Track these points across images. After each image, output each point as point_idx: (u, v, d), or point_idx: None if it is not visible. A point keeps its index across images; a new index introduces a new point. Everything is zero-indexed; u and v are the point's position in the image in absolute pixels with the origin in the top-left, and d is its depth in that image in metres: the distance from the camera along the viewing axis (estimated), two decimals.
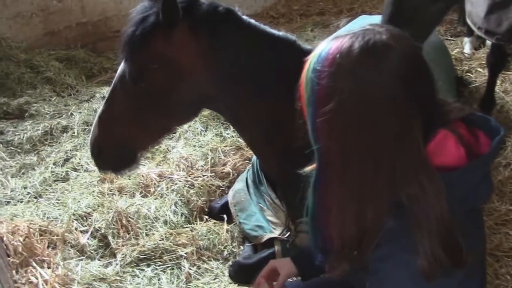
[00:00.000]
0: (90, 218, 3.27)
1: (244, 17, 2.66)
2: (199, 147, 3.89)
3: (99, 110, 2.71)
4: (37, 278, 2.76)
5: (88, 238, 3.13)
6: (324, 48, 1.51)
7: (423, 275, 1.44)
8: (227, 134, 4.02)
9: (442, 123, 1.54)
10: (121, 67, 2.63)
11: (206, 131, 4.13)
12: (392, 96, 1.42)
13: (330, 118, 1.47)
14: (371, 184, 1.48)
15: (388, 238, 1.52)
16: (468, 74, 4.53)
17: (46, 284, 2.72)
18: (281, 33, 2.69)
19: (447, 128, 1.53)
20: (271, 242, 2.94)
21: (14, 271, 2.80)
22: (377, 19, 2.93)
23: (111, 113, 2.67)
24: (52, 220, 3.25)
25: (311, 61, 1.53)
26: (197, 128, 4.14)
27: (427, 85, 1.51)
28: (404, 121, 1.44)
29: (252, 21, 2.66)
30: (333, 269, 1.68)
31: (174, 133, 4.11)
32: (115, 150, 2.72)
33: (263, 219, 3.06)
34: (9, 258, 2.87)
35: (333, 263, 1.68)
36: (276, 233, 2.96)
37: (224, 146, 3.86)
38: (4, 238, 2.93)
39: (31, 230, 3.03)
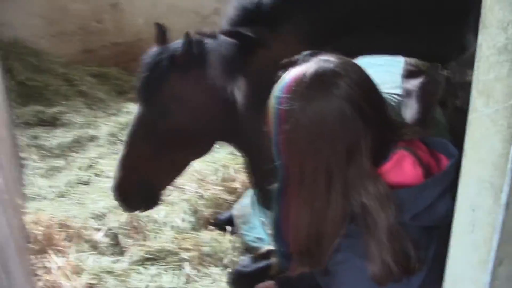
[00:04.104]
0: (105, 218, 3.56)
1: None
2: (212, 163, 4.12)
3: (120, 155, 2.83)
4: (51, 264, 3.06)
5: (101, 236, 3.41)
6: (284, 78, 1.75)
7: (374, 280, 1.62)
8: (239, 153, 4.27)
9: (397, 142, 1.73)
10: (138, 110, 2.79)
11: (220, 148, 4.37)
12: (339, 116, 1.63)
13: (288, 136, 1.71)
14: (323, 194, 1.68)
15: (345, 244, 1.70)
16: None
17: (59, 270, 3.02)
18: None
19: (406, 149, 1.71)
20: (269, 254, 3.07)
21: (32, 256, 3.12)
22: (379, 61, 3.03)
23: (132, 156, 2.78)
24: (70, 217, 3.54)
25: (274, 91, 1.77)
26: None
27: (374, 106, 1.70)
28: (352, 138, 1.64)
29: None
30: (295, 271, 1.88)
31: None
32: (138, 191, 2.85)
33: (264, 232, 3.27)
34: (29, 244, 3.18)
35: (294, 266, 1.88)
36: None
37: (235, 164, 4.08)
38: (27, 227, 3.25)
39: (51, 222, 3.35)
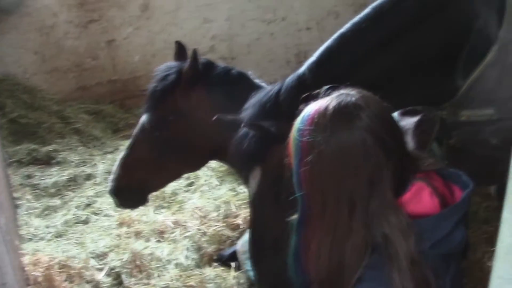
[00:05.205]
0: (106, 258, 3.46)
1: (257, 80, 2.96)
2: (213, 200, 4.09)
3: (122, 154, 3.09)
4: None
5: (103, 276, 3.31)
6: (306, 111, 1.78)
7: None
8: (240, 189, 4.22)
9: (415, 174, 1.76)
10: (143, 117, 3.00)
11: (221, 185, 4.34)
12: (362, 147, 1.66)
13: (311, 168, 1.72)
14: (346, 224, 1.69)
15: (368, 275, 1.71)
16: None
17: None
18: None
19: (423, 180, 1.75)
20: None
21: None
22: None
23: (132, 158, 3.05)
24: (71, 257, 3.43)
25: (296, 123, 1.79)
26: (213, 182, 4.36)
27: (394, 137, 1.74)
28: (375, 170, 1.67)
29: (264, 84, 2.95)
30: None
31: (191, 186, 4.37)
32: (131, 190, 3.11)
33: None
34: (30, 287, 3.06)
35: None
36: None
37: (237, 200, 4.04)
38: (26, 269, 3.14)
39: (51, 263, 3.23)
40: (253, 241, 2.54)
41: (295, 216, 1.93)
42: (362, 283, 1.72)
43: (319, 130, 1.70)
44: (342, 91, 1.77)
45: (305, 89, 2.24)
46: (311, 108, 1.77)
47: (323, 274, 1.77)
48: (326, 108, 1.71)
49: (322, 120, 1.70)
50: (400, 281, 1.62)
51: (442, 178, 1.83)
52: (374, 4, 2.38)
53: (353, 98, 1.72)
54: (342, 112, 1.70)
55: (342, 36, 2.37)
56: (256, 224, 2.47)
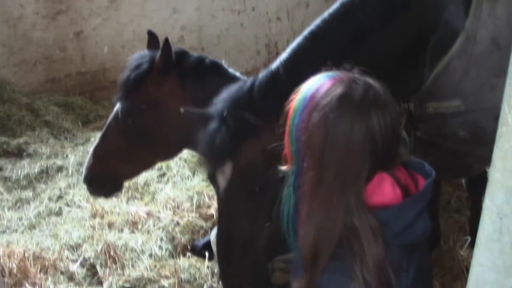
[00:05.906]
0: (80, 249, 3.48)
1: (230, 69, 3.00)
2: (186, 190, 4.12)
3: (95, 143, 3.12)
4: None
5: (77, 267, 3.34)
6: (316, 83, 1.73)
7: None
8: None
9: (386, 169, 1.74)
10: (117, 106, 3.03)
11: (193, 176, 4.38)
12: (360, 142, 1.64)
13: (311, 137, 1.67)
14: (335, 205, 1.67)
15: (332, 266, 1.71)
16: None
17: None
18: None
19: (385, 171, 1.72)
20: None
21: None
22: None
23: (105, 147, 3.07)
24: (44, 249, 3.46)
25: (304, 89, 1.74)
26: (185, 173, 4.40)
27: (390, 145, 1.71)
28: (363, 164, 1.66)
29: (237, 73, 3.00)
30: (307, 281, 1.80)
31: (163, 176, 4.41)
32: (105, 178, 3.13)
33: None
34: (4, 279, 3.07)
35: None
36: None
37: (210, 190, 4.05)
38: (0, 261, 3.15)
39: (25, 255, 3.25)
40: (220, 241, 2.40)
41: (287, 169, 1.84)
42: (325, 273, 1.72)
43: (339, 110, 1.64)
44: (366, 79, 1.72)
45: (278, 86, 2.25)
46: (323, 83, 1.71)
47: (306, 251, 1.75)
48: (349, 90, 1.66)
49: (344, 101, 1.65)
50: (361, 273, 1.62)
51: (406, 168, 1.82)
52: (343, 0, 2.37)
53: (370, 93, 1.67)
54: (351, 103, 1.65)
55: (313, 34, 2.37)
56: (225, 223, 2.35)
